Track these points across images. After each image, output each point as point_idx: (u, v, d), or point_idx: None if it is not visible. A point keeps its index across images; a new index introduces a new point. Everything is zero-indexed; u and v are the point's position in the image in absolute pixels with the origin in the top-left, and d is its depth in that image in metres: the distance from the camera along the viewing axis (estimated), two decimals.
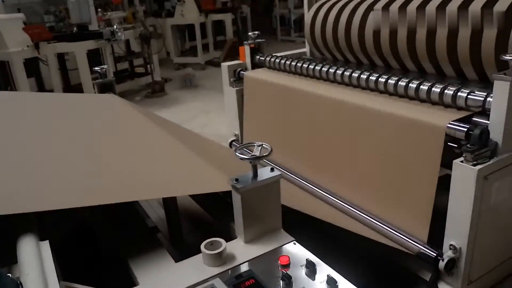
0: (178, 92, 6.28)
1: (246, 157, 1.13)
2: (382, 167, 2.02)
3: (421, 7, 2.25)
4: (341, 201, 2.18)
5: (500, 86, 1.56)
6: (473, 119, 1.77)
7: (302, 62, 2.68)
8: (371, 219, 2.00)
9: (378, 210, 2.03)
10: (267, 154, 1.14)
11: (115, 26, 5.29)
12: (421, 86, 1.93)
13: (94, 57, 5.48)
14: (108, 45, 5.43)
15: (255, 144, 1.16)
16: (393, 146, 1.94)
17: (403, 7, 2.35)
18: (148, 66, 6.24)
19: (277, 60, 2.88)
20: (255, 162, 1.13)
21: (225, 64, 3.18)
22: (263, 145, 1.14)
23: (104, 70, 2.78)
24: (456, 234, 1.70)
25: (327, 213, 2.15)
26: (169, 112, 5.28)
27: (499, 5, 1.93)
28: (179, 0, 7.33)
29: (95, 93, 2.82)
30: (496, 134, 1.62)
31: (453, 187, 1.67)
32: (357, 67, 2.77)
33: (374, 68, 2.68)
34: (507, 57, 1.58)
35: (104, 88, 2.74)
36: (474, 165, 1.58)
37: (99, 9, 6.15)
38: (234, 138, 3.29)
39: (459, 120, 1.73)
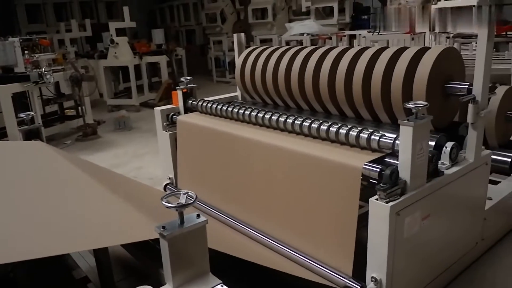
0: (112, 134, 6.16)
1: (172, 205, 1.18)
2: (308, 206, 2.14)
3: (336, 61, 2.48)
4: (270, 240, 2.25)
5: (405, 131, 1.76)
6: (386, 159, 1.95)
7: (232, 106, 2.80)
8: (299, 257, 2.09)
9: (306, 248, 2.12)
10: (192, 201, 1.19)
11: (43, 69, 5.14)
12: (340, 130, 2.10)
13: (21, 100, 5.25)
14: (35, 88, 5.25)
15: (181, 192, 1.21)
16: (316, 186, 2.07)
17: (321, 60, 2.57)
18: (80, 108, 6.09)
19: (208, 105, 2.98)
20: (181, 209, 1.18)
21: (158, 109, 3.22)
22: (189, 193, 1.20)
23: (30, 116, 2.71)
24: (376, 267, 1.83)
25: (257, 253, 2.21)
26: (102, 156, 5.15)
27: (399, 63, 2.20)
28: (112, 42, 7.31)
29: (20, 139, 2.72)
30: (405, 173, 1.80)
31: (370, 223, 1.81)
32: (285, 111, 2.95)
33: (300, 111, 2.86)
34: (410, 105, 1.79)
35: (30, 135, 2.66)
36: (387, 202, 1.74)
37: (26, 51, 5.97)
38: (168, 181, 3.29)
39: (373, 161, 1.90)
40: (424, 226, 1.93)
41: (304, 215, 2.16)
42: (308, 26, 7.83)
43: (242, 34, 3.51)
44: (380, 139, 1.95)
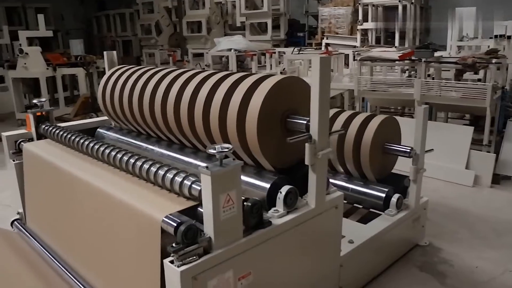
0: None
1: None
2: (116, 254, 1.85)
3: (180, 93, 2.20)
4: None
5: (205, 180, 1.48)
6: (199, 209, 1.67)
7: (75, 136, 2.45)
8: None
9: None
10: None
11: None
12: (159, 171, 1.81)
13: None
14: None
15: None
16: (122, 235, 1.78)
17: (169, 87, 2.29)
18: None
19: (57, 132, 2.61)
20: None
21: (4, 134, 2.81)
22: None
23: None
24: None
25: None
26: None
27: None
28: (21, 52, 6.77)
29: None
30: (209, 228, 1.52)
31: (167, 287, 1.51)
32: (146, 139, 2.65)
33: (160, 142, 2.56)
34: (212, 151, 1.52)
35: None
36: (181, 265, 1.45)
37: None
38: (17, 216, 2.88)
39: (183, 211, 1.62)
40: (245, 285, 1.66)
41: (114, 265, 1.87)
42: (236, 41, 7.60)
43: (114, 52, 3.18)
44: (192, 185, 1.67)
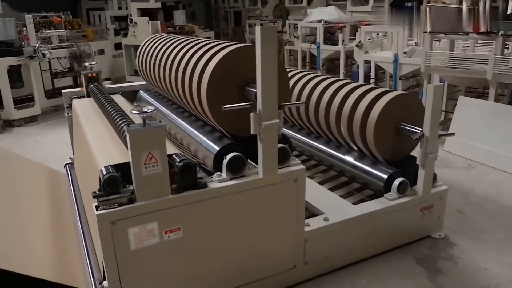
0: None
1: None
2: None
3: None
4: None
5: (127, 137, 1.65)
6: None
7: (100, 95, 2.80)
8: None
9: None
10: None
11: (37, 44, 5.53)
12: (123, 126, 2.02)
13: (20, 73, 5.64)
14: (33, 62, 5.65)
15: None
16: (92, 180, 2.05)
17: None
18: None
19: (93, 91, 3.02)
20: None
21: (64, 91, 3.34)
22: None
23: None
24: (109, 276, 1.76)
25: None
26: None
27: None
28: (131, 21, 7.61)
29: None
30: (133, 181, 1.69)
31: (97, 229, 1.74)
32: (166, 103, 2.90)
33: (173, 106, 2.79)
34: (135, 112, 1.66)
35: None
36: (101, 209, 1.66)
37: (43, 27, 6.47)
38: (70, 161, 3.43)
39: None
40: (173, 238, 1.80)
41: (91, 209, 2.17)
42: (327, 12, 7.37)
43: (158, 22, 3.47)
44: None
